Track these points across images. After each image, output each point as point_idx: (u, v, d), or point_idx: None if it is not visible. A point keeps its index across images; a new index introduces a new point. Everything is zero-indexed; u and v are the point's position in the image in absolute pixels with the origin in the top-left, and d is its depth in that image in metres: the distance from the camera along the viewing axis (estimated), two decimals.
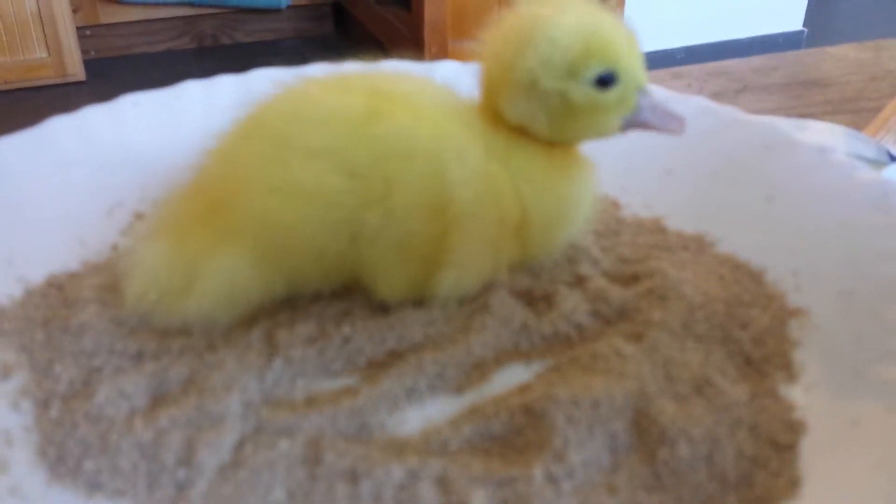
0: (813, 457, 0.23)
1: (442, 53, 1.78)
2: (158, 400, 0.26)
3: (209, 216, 0.28)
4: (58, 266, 0.32)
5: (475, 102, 0.30)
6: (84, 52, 1.94)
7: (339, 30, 2.33)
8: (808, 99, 0.63)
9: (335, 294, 0.30)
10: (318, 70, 0.46)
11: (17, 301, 0.30)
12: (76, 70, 1.90)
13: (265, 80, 0.44)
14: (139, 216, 0.37)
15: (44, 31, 1.83)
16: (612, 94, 0.28)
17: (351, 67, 0.46)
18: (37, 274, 0.32)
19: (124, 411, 0.25)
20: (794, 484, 0.22)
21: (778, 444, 0.24)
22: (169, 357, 0.28)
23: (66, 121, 0.39)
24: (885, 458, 0.22)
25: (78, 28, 1.91)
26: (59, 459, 0.24)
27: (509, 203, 0.28)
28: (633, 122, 0.29)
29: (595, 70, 0.27)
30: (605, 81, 0.27)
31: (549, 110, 0.28)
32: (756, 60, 0.66)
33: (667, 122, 0.29)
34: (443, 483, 0.23)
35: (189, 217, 0.28)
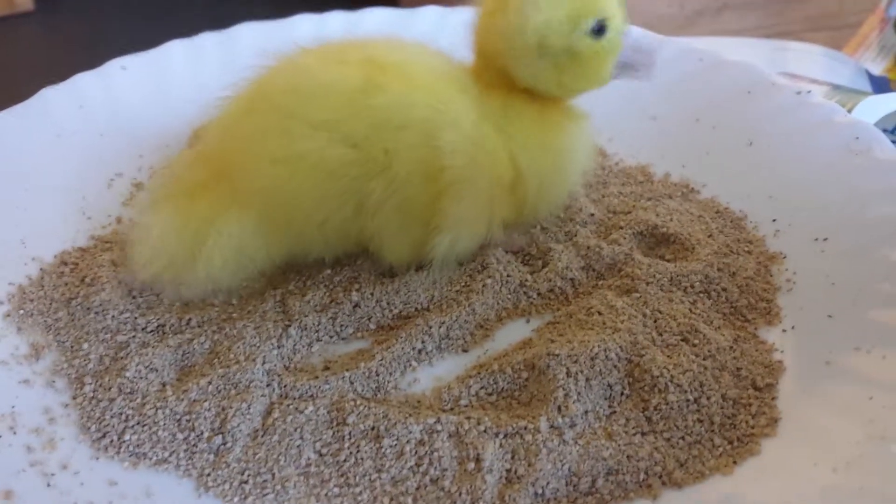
0: (790, 395, 0.26)
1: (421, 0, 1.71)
2: (185, 372, 0.28)
3: (213, 184, 0.29)
4: (67, 243, 0.34)
5: (468, 65, 0.31)
6: None
7: None
8: (788, 16, 0.63)
9: (341, 261, 0.32)
10: (301, 21, 0.46)
11: (35, 281, 0.31)
12: (23, 0, 1.82)
13: (249, 37, 0.44)
14: (138, 186, 0.37)
15: None
16: (606, 41, 0.29)
17: (335, 19, 0.46)
18: (48, 252, 0.33)
19: (156, 384, 0.27)
20: (773, 422, 0.25)
21: (758, 386, 0.26)
22: (190, 330, 0.29)
23: (58, 91, 0.39)
24: (855, 393, 0.25)
25: None
26: (100, 433, 0.26)
27: (503, 164, 0.29)
28: (620, 64, 0.30)
29: (590, 21, 0.28)
30: (600, 30, 0.29)
31: (558, 67, 0.29)
32: None
33: (643, 59, 0.30)
34: (457, 437, 0.25)
35: (193, 185, 0.29)
